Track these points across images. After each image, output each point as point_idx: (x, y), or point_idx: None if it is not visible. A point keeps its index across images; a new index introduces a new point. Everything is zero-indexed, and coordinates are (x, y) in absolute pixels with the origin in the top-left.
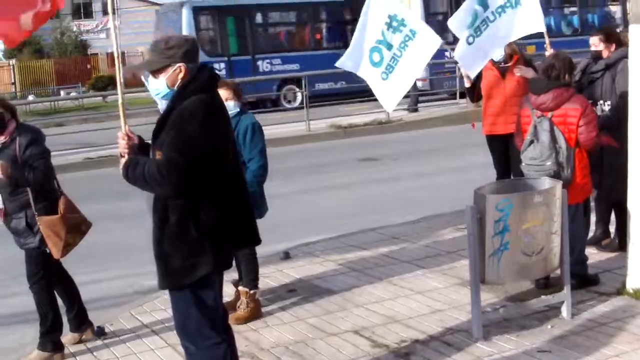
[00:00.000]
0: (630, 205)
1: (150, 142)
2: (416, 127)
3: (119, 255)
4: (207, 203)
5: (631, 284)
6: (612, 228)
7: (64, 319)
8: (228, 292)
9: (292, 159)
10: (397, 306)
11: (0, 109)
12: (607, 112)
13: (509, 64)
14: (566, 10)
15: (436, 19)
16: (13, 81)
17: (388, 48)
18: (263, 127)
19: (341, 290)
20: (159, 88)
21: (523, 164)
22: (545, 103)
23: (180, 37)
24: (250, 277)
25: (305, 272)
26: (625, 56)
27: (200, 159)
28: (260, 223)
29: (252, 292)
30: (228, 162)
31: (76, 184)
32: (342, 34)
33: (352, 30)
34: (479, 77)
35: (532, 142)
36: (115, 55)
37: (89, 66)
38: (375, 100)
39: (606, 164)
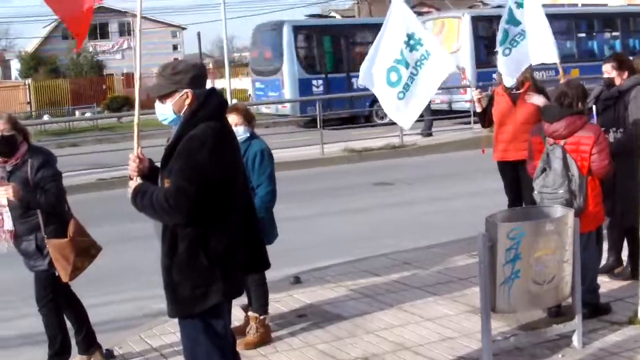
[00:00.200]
0: None
1: (157, 166)
2: (430, 151)
3: (128, 277)
4: (216, 230)
5: None
6: (624, 256)
7: (73, 342)
8: (237, 316)
9: (306, 183)
10: (407, 333)
11: (12, 130)
12: (620, 139)
13: (521, 91)
14: (607, 35)
15: (483, 43)
16: (28, 100)
17: (406, 67)
18: (324, 144)
19: (352, 316)
20: (165, 113)
21: (535, 192)
22: (558, 131)
23: (188, 62)
24: (260, 302)
25: (316, 297)
26: (638, 83)
27: (209, 187)
28: (271, 247)
29: (261, 317)
30: (237, 188)
31: (88, 205)
32: None
33: None
34: (490, 102)
35: (544, 169)
36: (136, 77)
37: (104, 86)
38: (386, 124)
39: (618, 192)
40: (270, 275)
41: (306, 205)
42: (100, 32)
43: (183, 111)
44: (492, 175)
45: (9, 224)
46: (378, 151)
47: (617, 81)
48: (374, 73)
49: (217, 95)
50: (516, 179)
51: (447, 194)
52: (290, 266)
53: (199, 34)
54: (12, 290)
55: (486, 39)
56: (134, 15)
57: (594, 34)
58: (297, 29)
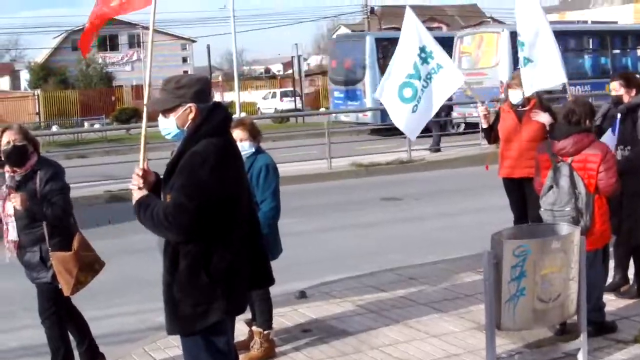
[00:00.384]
0: None
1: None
2: (438, 167)
3: (132, 290)
4: (219, 247)
5: None
6: (630, 274)
7: (75, 354)
8: (242, 330)
9: (313, 197)
10: (412, 349)
11: (23, 140)
12: (627, 156)
13: (527, 108)
14: None
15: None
16: (37, 111)
17: (419, 79)
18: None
19: (357, 332)
20: (168, 128)
21: (542, 209)
22: (565, 148)
23: (192, 76)
24: (264, 317)
25: (321, 312)
26: None
27: (210, 204)
28: (277, 261)
29: (266, 332)
30: (241, 204)
31: (94, 216)
32: None
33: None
34: (496, 119)
35: (551, 187)
36: (146, 91)
37: (113, 98)
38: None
39: (625, 210)
40: (275, 289)
41: (313, 219)
42: (110, 43)
43: (187, 126)
44: (500, 191)
45: (13, 234)
46: (386, 166)
47: (625, 99)
48: (387, 86)
49: (221, 110)
50: (521, 196)
51: (455, 210)
52: (296, 280)
53: (208, 47)
54: (15, 301)
55: None
56: (144, 28)
57: (628, 50)
58: (378, 40)
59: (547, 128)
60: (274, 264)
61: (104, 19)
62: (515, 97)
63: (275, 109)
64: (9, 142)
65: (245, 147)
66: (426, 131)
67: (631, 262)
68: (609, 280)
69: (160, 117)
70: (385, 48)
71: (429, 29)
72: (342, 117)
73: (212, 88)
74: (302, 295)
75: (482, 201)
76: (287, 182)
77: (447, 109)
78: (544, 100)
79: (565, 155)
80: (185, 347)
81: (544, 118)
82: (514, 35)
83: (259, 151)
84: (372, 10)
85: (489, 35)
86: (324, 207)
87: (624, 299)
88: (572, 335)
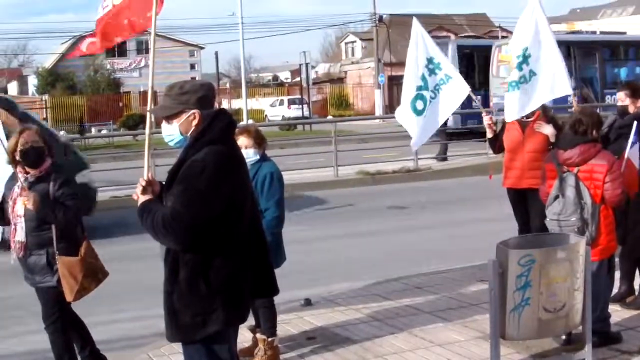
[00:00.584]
0: None
1: None
2: (445, 176)
3: (138, 296)
4: (220, 257)
5: None
6: (636, 285)
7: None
8: (246, 337)
9: (320, 205)
10: (416, 358)
11: (41, 143)
12: None
13: (531, 119)
14: None
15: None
16: (45, 116)
17: (427, 90)
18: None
19: (361, 340)
20: (172, 134)
21: (547, 219)
22: (571, 158)
23: (196, 82)
24: (268, 324)
25: (326, 319)
26: None
27: (208, 213)
28: (283, 268)
29: (270, 339)
30: (244, 212)
31: (100, 222)
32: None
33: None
34: (502, 128)
35: (557, 197)
36: (149, 98)
37: (120, 104)
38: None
39: (631, 220)
40: (280, 296)
41: (319, 227)
42: (117, 49)
43: (190, 132)
44: (506, 200)
45: (21, 235)
46: (392, 174)
47: (631, 109)
48: (402, 104)
49: (225, 116)
50: (525, 206)
51: (461, 219)
52: (301, 288)
53: (216, 54)
54: (21, 305)
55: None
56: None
57: None
58: (460, 48)
59: (551, 139)
60: (278, 271)
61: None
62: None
63: (283, 116)
64: (26, 143)
65: (249, 155)
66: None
67: (637, 273)
68: (615, 290)
69: (164, 124)
70: (469, 55)
71: (437, 37)
72: None
73: (216, 94)
74: (307, 302)
75: (488, 210)
76: (294, 189)
77: None
78: (548, 111)
79: (571, 165)
80: (187, 354)
81: (548, 130)
82: None
83: (264, 159)
84: (380, 19)
85: None
86: (330, 215)
87: (629, 309)
88: (577, 345)
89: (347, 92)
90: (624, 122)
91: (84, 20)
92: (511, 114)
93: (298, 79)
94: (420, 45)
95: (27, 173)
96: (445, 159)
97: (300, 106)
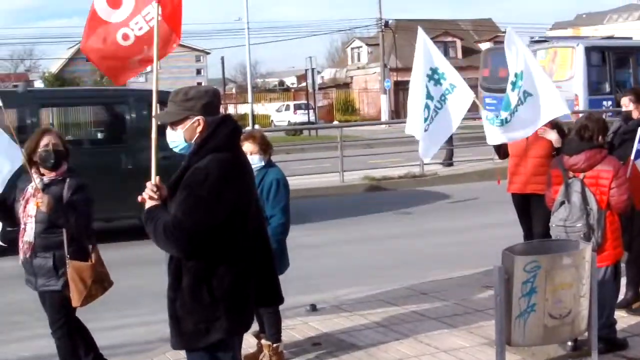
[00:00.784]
0: None
1: None
2: (451, 181)
3: (143, 301)
4: (223, 264)
5: None
6: None
7: None
8: (250, 342)
9: (325, 210)
10: None
11: (61, 146)
12: None
13: None
14: None
15: (595, 71)
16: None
17: (431, 100)
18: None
19: (367, 346)
20: (176, 141)
21: (553, 225)
22: (577, 164)
23: (201, 88)
24: (273, 330)
25: (331, 325)
26: None
27: (212, 221)
28: (288, 273)
29: (275, 345)
30: (249, 219)
31: (105, 227)
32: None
33: None
34: None
35: (562, 203)
36: (154, 104)
37: None
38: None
39: (636, 226)
40: (285, 302)
41: (324, 232)
42: None
43: (194, 139)
44: (512, 206)
45: (30, 236)
46: (398, 180)
47: (635, 114)
48: (412, 116)
49: (230, 123)
50: (528, 211)
51: (467, 225)
52: (306, 293)
53: (222, 59)
54: (27, 310)
55: (598, 67)
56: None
57: None
58: (589, 49)
59: (556, 145)
60: (283, 276)
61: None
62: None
63: (289, 121)
64: (47, 145)
65: (255, 161)
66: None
67: None
68: (621, 297)
69: (168, 130)
70: (598, 57)
71: (444, 43)
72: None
73: (221, 100)
74: (313, 308)
75: (493, 216)
76: (299, 194)
77: None
78: None
79: (577, 171)
80: None
81: (552, 136)
82: (588, 50)
83: (269, 165)
84: (386, 24)
85: (563, 49)
86: (336, 220)
87: (635, 315)
88: (583, 351)
89: (353, 98)
90: (628, 127)
91: None
92: (512, 136)
93: (304, 84)
94: (427, 54)
95: (42, 175)
96: (451, 165)
97: (306, 111)
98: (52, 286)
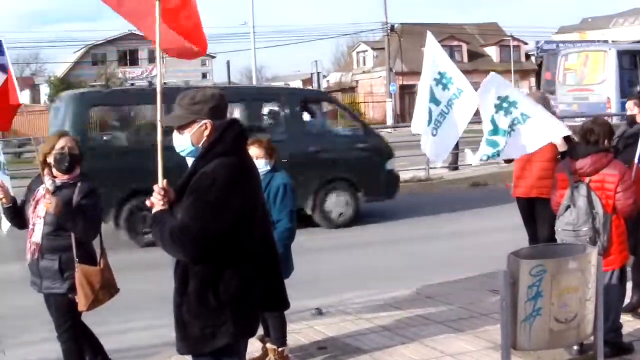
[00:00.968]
0: None
1: None
2: (456, 185)
3: (149, 305)
4: (229, 269)
5: None
6: None
7: None
8: (255, 346)
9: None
10: None
11: (76, 150)
12: None
13: None
14: None
15: (627, 75)
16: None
17: (436, 104)
18: None
19: (372, 350)
20: (182, 144)
21: (559, 229)
22: (583, 168)
23: (207, 91)
24: (278, 334)
25: (337, 329)
26: None
27: (219, 226)
28: (293, 277)
29: (280, 349)
30: (255, 224)
31: (110, 232)
32: None
33: None
34: None
35: (568, 207)
36: (159, 107)
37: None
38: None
39: None
40: (291, 306)
41: (329, 236)
42: (130, 58)
43: (202, 143)
44: (517, 210)
45: (37, 237)
46: (403, 184)
47: (639, 118)
48: (418, 117)
49: (236, 126)
50: (534, 215)
51: (472, 229)
52: (312, 297)
53: (228, 63)
54: (33, 314)
55: (630, 70)
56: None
57: None
58: (621, 53)
59: (560, 149)
60: (289, 280)
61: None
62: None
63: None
64: (63, 148)
65: (261, 165)
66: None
67: None
68: (627, 301)
69: (175, 133)
70: (630, 60)
71: (450, 47)
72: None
73: (227, 104)
74: (318, 312)
75: (499, 220)
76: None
77: None
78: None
79: (583, 175)
80: None
81: (558, 140)
82: (620, 54)
83: (275, 169)
84: (392, 28)
85: (595, 53)
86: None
87: None
88: (588, 355)
89: (358, 101)
90: (633, 131)
91: (96, 29)
92: (512, 154)
93: (310, 88)
94: (435, 58)
95: (54, 177)
96: (456, 168)
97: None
98: (57, 289)
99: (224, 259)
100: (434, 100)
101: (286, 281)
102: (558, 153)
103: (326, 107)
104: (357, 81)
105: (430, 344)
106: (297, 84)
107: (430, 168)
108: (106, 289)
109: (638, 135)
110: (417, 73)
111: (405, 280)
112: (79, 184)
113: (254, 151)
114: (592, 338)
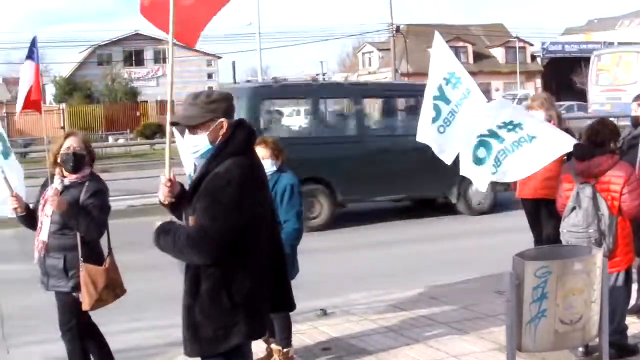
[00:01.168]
0: None
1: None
2: None
3: (154, 305)
4: (242, 270)
5: None
6: None
7: None
8: (260, 346)
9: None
10: None
11: (83, 150)
12: None
13: None
14: None
15: None
16: (62, 125)
17: (446, 103)
18: None
19: (376, 351)
20: (198, 145)
21: (564, 231)
22: (588, 169)
23: (221, 91)
24: (283, 335)
25: (341, 330)
26: None
27: (234, 227)
28: (298, 278)
29: (285, 350)
30: (265, 225)
31: (117, 231)
32: None
33: None
34: None
35: (574, 208)
36: (169, 104)
37: (138, 113)
38: None
39: None
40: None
41: (334, 237)
42: (135, 59)
43: (217, 142)
44: (522, 211)
45: (44, 235)
46: None
47: None
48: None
49: (245, 126)
50: (538, 216)
51: (477, 230)
52: (316, 298)
53: (233, 63)
54: (39, 314)
55: None
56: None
57: None
58: None
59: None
60: (294, 281)
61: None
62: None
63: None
64: (69, 148)
65: (267, 165)
66: None
67: None
68: (632, 302)
69: (188, 135)
70: None
71: (455, 48)
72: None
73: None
74: (324, 312)
75: (504, 221)
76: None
77: None
78: (563, 122)
79: (588, 177)
80: None
81: None
82: None
83: (282, 170)
84: (397, 29)
85: (628, 54)
86: (346, 225)
87: None
88: (593, 357)
89: None
90: (637, 132)
91: (102, 29)
92: (516, 175)
93: None
94: (442, 59)
95: (64, 177)
96: None
97: None
98: (62, 287)
99: (236, 260)
100: (444, 98)
101: (291, 282)
102: (564, 154)
103: None
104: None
105: (434, 345)
106: None
107: None
108: (111, 288)
109: None
110: (422, 74)
111: (409, 282)
112: (87, 183)
113: (260, 151)
114: (597, 340)
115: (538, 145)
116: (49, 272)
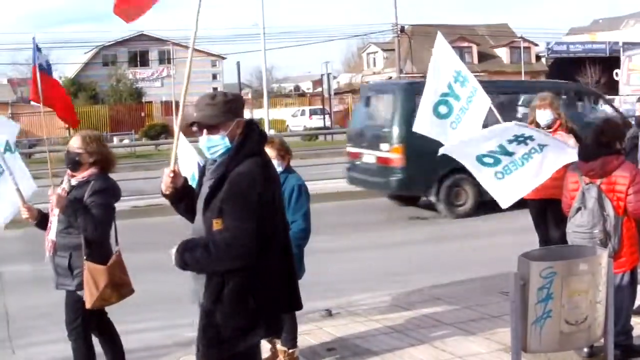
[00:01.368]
0: None
1: (191, 185)
2: None
3: (159, 305)
4: (266, 271)
5: None
6: None
7: None
8: (264, 346)
9: (341, 215)
10: None
11: (81, 149)
12: None
13: (551, 130)
14: None
15: None
16: (67, 126)
17: (457, 99)
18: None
19: (382, 351)
20: (218, 145)
21: (569, 231)
22: (594, 170)
23: (234, 92)
24: (289, 335)
25: (346, 330)
26: None
27: (261, 226)
28: (304, 279)
29: (290, 350)
30: (279, 225)
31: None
32: None
33: None
34: None
35: (579, 209)
36: (181, 103)
37: (142, 114)
38: None
39: None
40: None
41: (341, 237)
42: (140, 59)
43: (235, 141)
44: (528, 212)
45: (52, 234)
46: None
47: None
48: (421, 114)
49: (255, 126)
50: (543, 217)
51: (482, 230)
52: (321, 299)
53: (238, 64)
54: (44, 315)
55: None
56: (175, 44)
57: None
58: None
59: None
60: (300, 282)
61: None
62: (543, 117)
63: (305, 126)
64: (67, 148)
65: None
66: None
67: None
68: (637, 303)
69: (206, 135)
70: None
71: (459, 48)
72: None
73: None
74: (329, 313)
75: (510, 222)
76: (315, 199)
77: None
78: (568, 121)
79: (594, 177)
80: None
81: (570, 142)
82: None
83: (288, 170)
84: (402, 29)
85: None
86: (352, 225)
87: None
88: (599, 358)
89: None
90: (637, 132)
91: (106, 30)
92: (524, 190)
93: (320, 89)
94: (447, 58)
95: (72, 176)
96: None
97: (322, 116)
98: (68, 286)
99: (260, 262)
100: (454, 95)
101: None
102: None
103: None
104: (367, 82)
105: (440, 345)
106: (307, 85)
107: None
108: (114, 288)
109: None
110: (427, 75)
111: (414, 282)
112: (92, 182)
113: (268, 152)
114: (602, 340)
115: (549, 152)
116: (57, 270)
